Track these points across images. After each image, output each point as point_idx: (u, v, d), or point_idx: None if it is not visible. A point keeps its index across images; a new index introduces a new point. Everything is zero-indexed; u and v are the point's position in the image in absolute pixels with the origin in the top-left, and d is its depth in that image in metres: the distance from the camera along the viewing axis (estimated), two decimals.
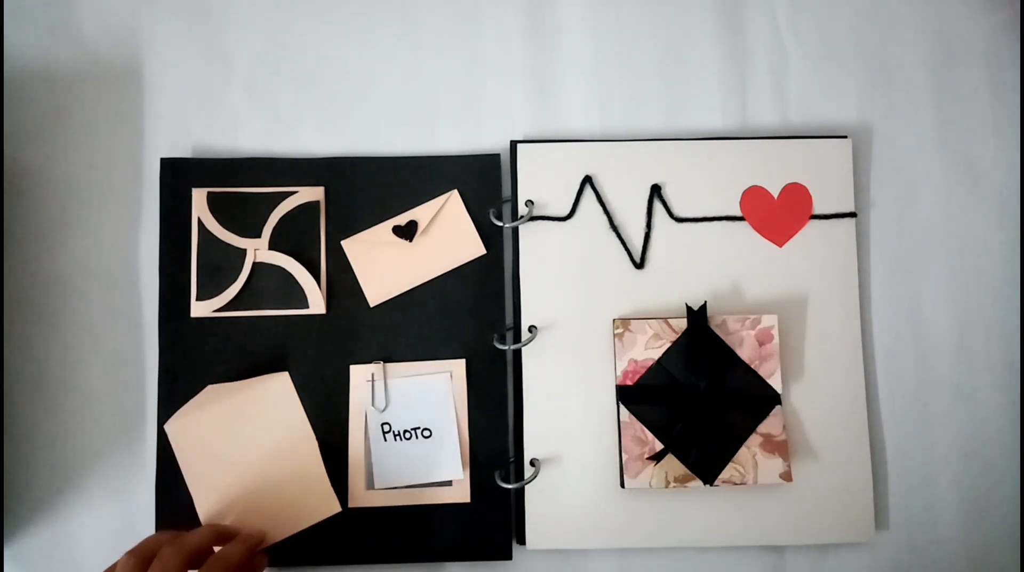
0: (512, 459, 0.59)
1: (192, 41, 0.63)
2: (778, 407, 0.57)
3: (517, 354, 0.59)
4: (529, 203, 0.60)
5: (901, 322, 0.61)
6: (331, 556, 0.57)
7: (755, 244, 0.60)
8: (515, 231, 0.60)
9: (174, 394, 0.58)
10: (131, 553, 0.48)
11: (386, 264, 0.60)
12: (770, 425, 0.57)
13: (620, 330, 0.58)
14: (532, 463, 0.58)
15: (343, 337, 0.59)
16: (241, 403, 0.57)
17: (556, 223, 0.60)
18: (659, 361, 0.57)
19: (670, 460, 0.56)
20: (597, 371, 0.59)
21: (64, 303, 0.60)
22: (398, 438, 0.58)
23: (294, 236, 0.60)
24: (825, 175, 0.61)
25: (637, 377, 0.57)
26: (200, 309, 0.58)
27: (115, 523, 0.58)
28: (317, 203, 0.60)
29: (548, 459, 0.58)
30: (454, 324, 0.59)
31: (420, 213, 0.60)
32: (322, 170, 0.61)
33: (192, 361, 0.58)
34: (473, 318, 0.59)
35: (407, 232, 0.60)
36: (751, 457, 0.56)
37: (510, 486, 0.57)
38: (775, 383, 0.57)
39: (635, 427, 0.57)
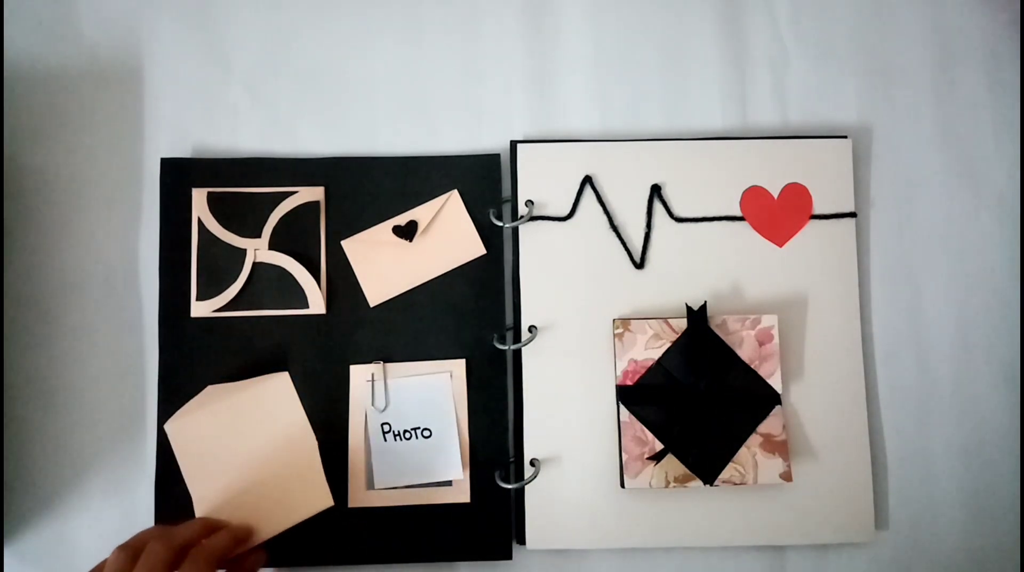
0: (512, 459, 0.59)
1: (192, 41, 0.63)
2: (778, 407, 0.57)
3: (517, 354, 0.59)
4: (529, 203, 0.60)
5: (901, 322, 0.61)
6: (331, 556, 0.57)
7: (755, 244, 0.60)
8: (515, 231, 0.60)
9: (174, 394, 0.58)
10: (121, 548, 0.48)
11: (386, 264, 0.60)
12: (770, 425, 0.57)
13: (620, 330, 0.58)
14: (532, 463, 0.58)
15: (343, 337, 0.59)
16: (241, 403, 0.57)
17: (556, 223, 0.60)
18: (659, 361, 0.57)
19: (670, 460, 0.56)
20: (597, 371, 0.59)
21: (64, 303, 0.60)
22: (398, 438, 0.58)
23: (294, 236, 0.60)
24: (825, 175, 0.61)
25: (637, 377, 0.57)
26: (200, 309, 0.58)
27: (115, 522, 0.58)
28: (317, 203, 0.60)
29: (548, 459, 0.58)
30: (454, 324, 0.59)
31: (420, 213, 0.60)
32: (322, 170, 0.61)
33: (192, 361, 0.58)
34: (473, 318, 0.59)
35: (407, 232, 0.60)
36: (751, 457, 0.56)
37: (510, 486, 0.57)
38: (775, 383, 0.57)
39: (635, 427, 0.57)
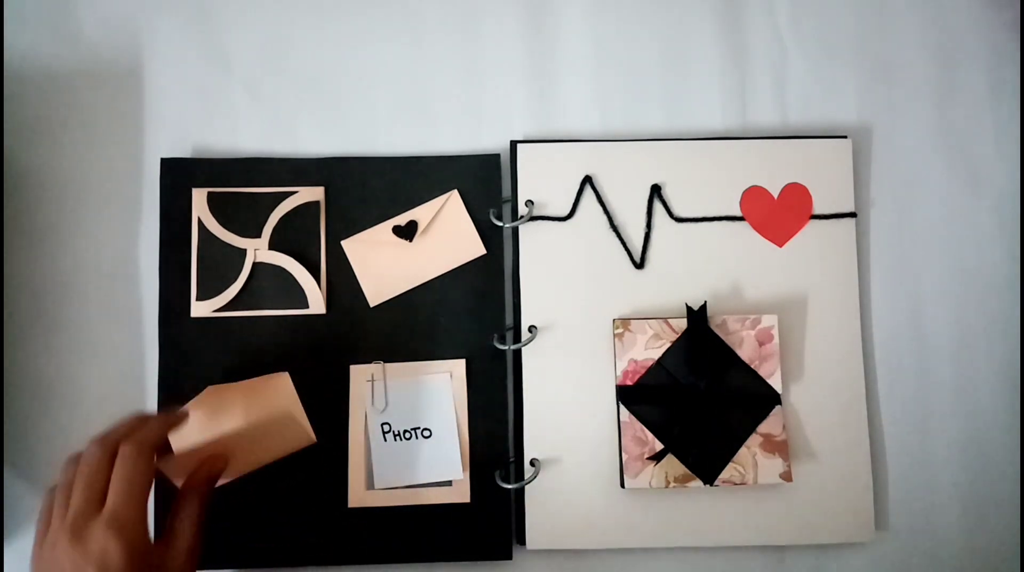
0: (512, 459, 0.59)
1: (192, 41, 0.63)
2: (778, 407, 0.57)
3: (517, 354, 0.59)
4: (529, 203, 0.60)
5: (901, 322, 0.61)
6: (331, 556, 0.57)
7: (755, 244, 0.60)
8: (515, 231, 0.60)
9: (174, 394, 0.58)
10: (65, 462, 0.48)
11: (386, 264, 0.60)
12: (770, 425, 0.57)
13: (620, 330, 0.58)
14: (532, 463, 0.58)
15: (343, 337, 0.59)
16: (241, 403, 0.57)
17: (556, 223, 0.60)
18: (659, 361, 0.57)
19: (670, 460, 0.56)
20: (597, 371, 0.59)
21: (64, 303, 0.60)
22: (398, 438, 0.58)
23: (294, 236, 0.60)
24: (825, 175, 0.61)
25: (637, 377, 0.57)
26: (200, 309, 0.59)
27: None
28: (317, 203, 0.60)
29: (548, 459, 0.58)
30: (454, 324, 0.59)
31: (420, 213, 0.60)
32: (322, 170, 0.61)
33: (192, 361, 0.58)
34: (473, 318, 0.59)
35: (407, 232, 0.60)
36: (751, 457, 0.56)
37: (510, 486, 0.57)
38: (775, 383, 0.57)
39: (635, 427, 0.57)
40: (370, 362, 0.59)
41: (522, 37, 0.64)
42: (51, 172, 0.61)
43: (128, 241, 0.61)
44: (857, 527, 0.58)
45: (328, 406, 0.58)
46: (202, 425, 0.52)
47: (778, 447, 0.56)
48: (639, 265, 0.60)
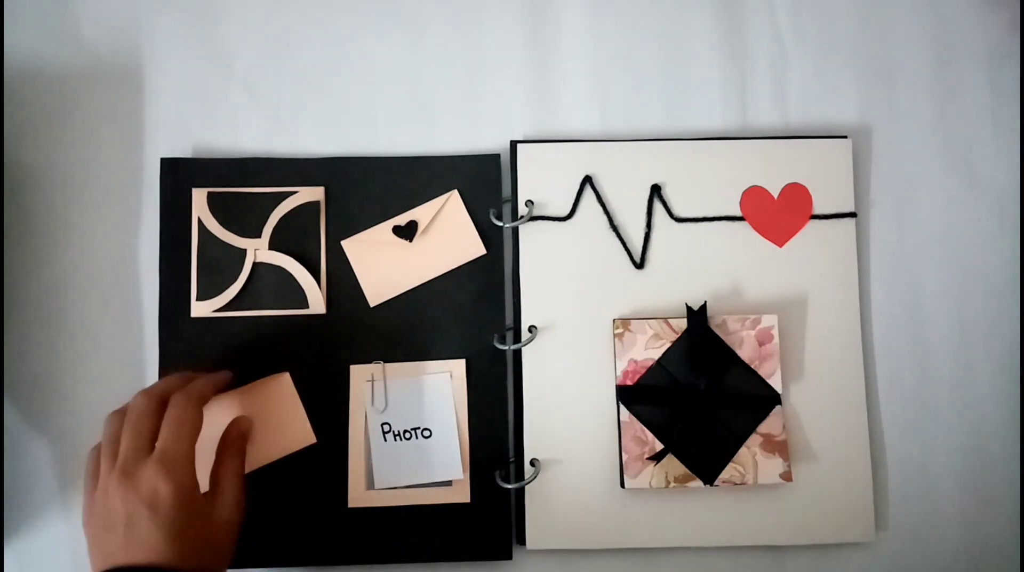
0: (512, 459, 0.59)
1: (192, 41, 0.63)
2: (778, 407, 0.57)
3: (517, 354, 0.59)
4: (529, 203, 0.60)
5: (901, 322, 0.61)
6: (331, 556, 0.57)
7: (755, 244, 0.60)
8: (515, 231, 0.60)
9: None
10: (111, 414, 0.51)
11: (386, 264, 0.60)
12: (770, 425, 0.57)
13: (620, 330, 0.58)
14: (532, 463, 0.58)
15: (343, 337, 0.59)
16: (242, 404, 0.57)
17: (556, 223, 0.60)
18: (659, 361, 0.57)
19: (670, 460, 0.56)
20: (597, 371, 0.59)
21: (64, 303, 0.60)
22: (398, 438, 0.58)
23: (294, 236, 0.60)
24: (825, 175, 0.61)
25: (637, 377, 0.57)
26: (200, 309, 0.58)
27: None
28: (317, 203, 0.60)
29: (548, 459, 0.58)
30: (454, 324, 0.59)
31: (420, 213, 0.60)
32: (322, 170, 0.61)
33: (192, 361, 0.58)
34: (473, 318, 0.59)
35: (407, 232, 0.60)
36: (751, 457, 0.56)
37: (510, 486, 0.57)
38: (775, 383, 0.57)
39: (635, 427, 0.57)
40: (370, 362, 0.59)
41: (522, 37, 0.64)
42: (51, 172, 0.61)
43: (128, 241, 0.61)
44: (857, 527, 0.58)
45: (328, 406, 0.58)
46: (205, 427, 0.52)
47: (778, 447, 0.56)
48: (639, 265, 0.60)
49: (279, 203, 0.60)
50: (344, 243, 0.60)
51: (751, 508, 0.58)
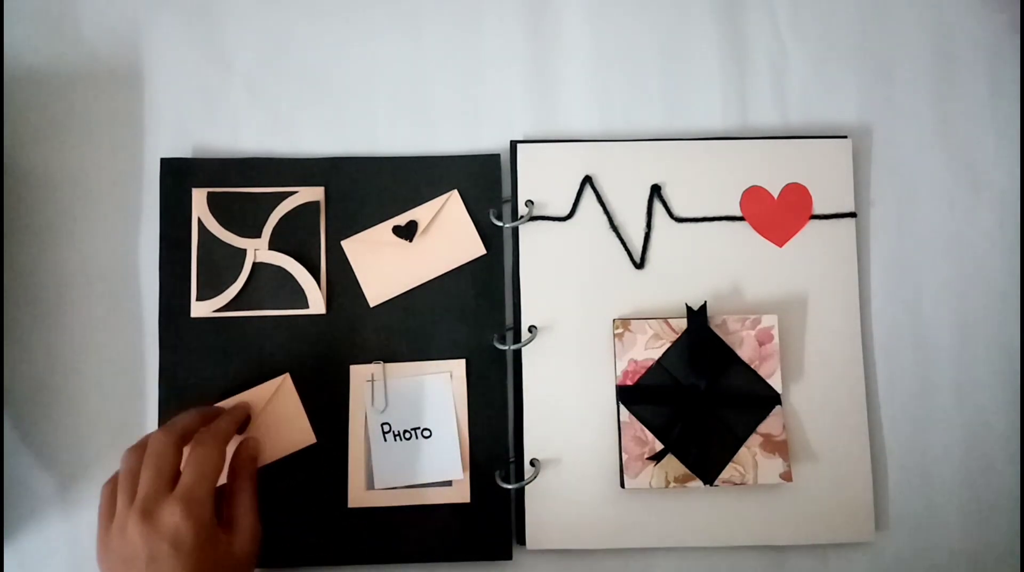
0: (512, 459, 0.59)
1: (192, 41, 0.63)
2: (778, 407, 0.57)
3: (517, 354, 0.59)
4: (529, 203, 0.60)
5: (901, 322, 0.61)
6: (331, 556, 0.57)
7: (755, 244, 0.60)
8: (515, 231, 0.60)
9: (174, 394, 0.58)
10: (128, 450, 0.51)
11: (386, 264, 0.60)
12: (770, 425, 0.57)
13: (620, 330, 0.58)
14: (532, 463, 0.58)
15: (343, 337, 0.59)
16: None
17: (556, 223, 0.60)
18: (659, 361, 0.57)
19: (670, 460, 0.56)
20: (597, 371, 0.59)
21: (64, 303, 0.60)
22: (398, 438, 0.58)
23: (294, 236, 0.60)
24: (825, 175, 0.61)
25: (637, 377, 0.57)
26: (200, 309, 0.58)
27: None
28: (317, 203, 0.60)
29: (548, 459, 0.58)
30: (454, 324, 0.59)
31: (420, 213, 0.60)
32: (322, 170, 0.61)
33: (192, 361, 0.58)
34: (473, 318, 0.59)
35: (407, 232, 0.60)
36: (751, 457, 0.56)
37: (510, 486, 0.57)
38: (775, 383, 0.57)
39: (635, 427, 0.57)
40: (370, 362, 0.59)
41: (522, 37, 0.64)
42: (51, 172, 0.61)
43: (128, 241, 0.61)
44: (857, 527, 0.58)
45: (328, 406, 0.58)
46: None
47: (778, 447, 0.56)
48: (639, 265, 0.60)
49: (279, 203, 0.60)
50: (344, 243, 0.60)
51: (751, 508, 0.58)
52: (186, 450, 0.50)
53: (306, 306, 0.59)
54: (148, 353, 0.59)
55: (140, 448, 0.50)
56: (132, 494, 0.48)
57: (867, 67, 0.64)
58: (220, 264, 0.59)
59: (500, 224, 0.60)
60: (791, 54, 0.64)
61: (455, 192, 0.60)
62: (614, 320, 0.58)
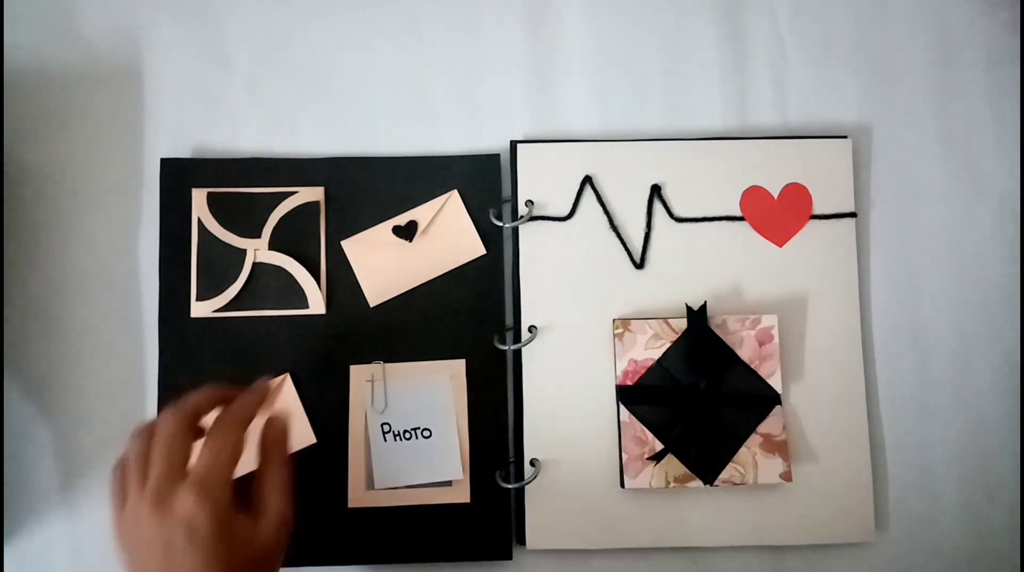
0: (512, 459, 0.59)
1: (192, 41, 0.63)
2: (778, 407, 0.57)
3: (517, 354, 0.59)
4: (529, 203, 0.60)
5: (901, 322, 0.61)
6: (331, 556, 0.57)
7: (755, 244, 0.60)
8: (515, 231, 0.60)
9: (174, 394, 0.57)
10: (136, 432, 0.48)
11: (386, 264, 0.60)
12: (770, 425, 0.57)
13: (620, 330, 0.58)
14: (532, 463, 0.58)
15: (343, 337, 0.59)
16: None
17: (556, 223, 0.60)
18: (659, 361, 0.57)
19: (670, 460, 0.56)
20: (597, 371, 0.59)
21: (64, 303, 0.60)
22: (398, 438, 0.58)
23: (294, 236, 0.60)
24: (825, 175, 0.61)
25: (637, 377, 0.57)
26: (200, 309, 0.59)
27: None
28: (317, 203, 0.60)
29: (548, 459, 0.58)
30: (454, 324, 0.59)
31: (420, 213, 0.60)
32: (322, 170, 0.61)
33: (192, 361, 0.58)
34: (473, 318, 0.59)
35: (407, 232, 0.60)
36: (751, 457, 0.56)
37: (510, 486, 0.57)
38: (775, 383, 0.57)
39: (635, 427, 0.57)
40: (370, 362, 0.59)
41: (522, 37, 0.64)
42: (51, 172, 0.61)
43: (128, 241, 0.61)
44: (857, 527, 0.58)
45: (328, 406, 0.58)
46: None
47: (778, 447, 0.56)
48: (639, 265, 0.60)
49: (279, 203, 0.60)
50: (344, 243, 0.60)
51: (751, 508, 0.58)
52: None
53: (306, 306, 0.59)
54: (148, 353, 0.59)
55: (149, 429, 0.47)
56: (143, 479, 0.46)
57: (867, 67, 0.64)
58: (220, 264, 0.59)
59: (500, 224, 0.60)
60: (791, 54, 0.64)
61: (455, 192, 0.60)
62: (614, 320, 0.58)
